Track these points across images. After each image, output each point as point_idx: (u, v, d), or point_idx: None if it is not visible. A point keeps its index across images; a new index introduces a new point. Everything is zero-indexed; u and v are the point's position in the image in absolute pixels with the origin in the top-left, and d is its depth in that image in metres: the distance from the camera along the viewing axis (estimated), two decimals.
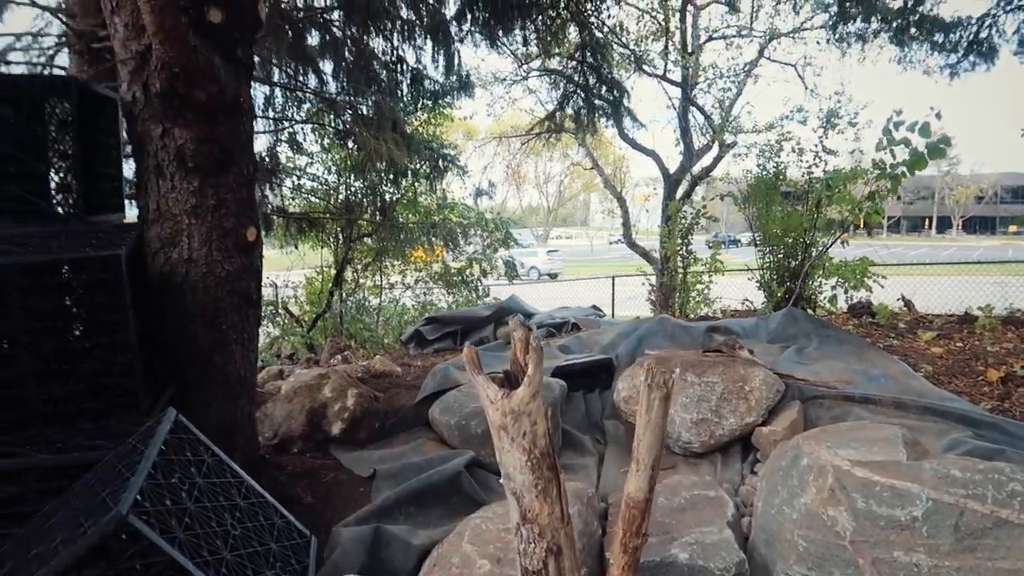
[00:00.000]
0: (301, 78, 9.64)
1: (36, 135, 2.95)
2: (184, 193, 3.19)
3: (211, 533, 2.06)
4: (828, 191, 6.24)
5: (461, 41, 7.12)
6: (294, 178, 11.80)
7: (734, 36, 12.06)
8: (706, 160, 11.43)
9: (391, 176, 11.10)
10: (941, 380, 4.31)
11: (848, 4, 7.86)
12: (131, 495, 1.84)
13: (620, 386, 4.29)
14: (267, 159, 10.78)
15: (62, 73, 5.01)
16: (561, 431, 4.02)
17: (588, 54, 6.52)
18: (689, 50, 11.81)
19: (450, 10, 6.93)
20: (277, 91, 10.22)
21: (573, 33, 6.61)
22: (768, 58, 11.91)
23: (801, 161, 7.06)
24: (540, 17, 6.51)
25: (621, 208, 13.15)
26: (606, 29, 10.44)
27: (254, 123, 3.60)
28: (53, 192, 2.98)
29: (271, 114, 10.49)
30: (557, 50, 7.15)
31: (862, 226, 6.32)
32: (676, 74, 11.83)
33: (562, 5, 6.32)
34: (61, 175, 3.02)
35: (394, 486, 3.34)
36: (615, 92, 6.71)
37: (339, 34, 8.66)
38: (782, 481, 2.90)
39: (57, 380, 2.51)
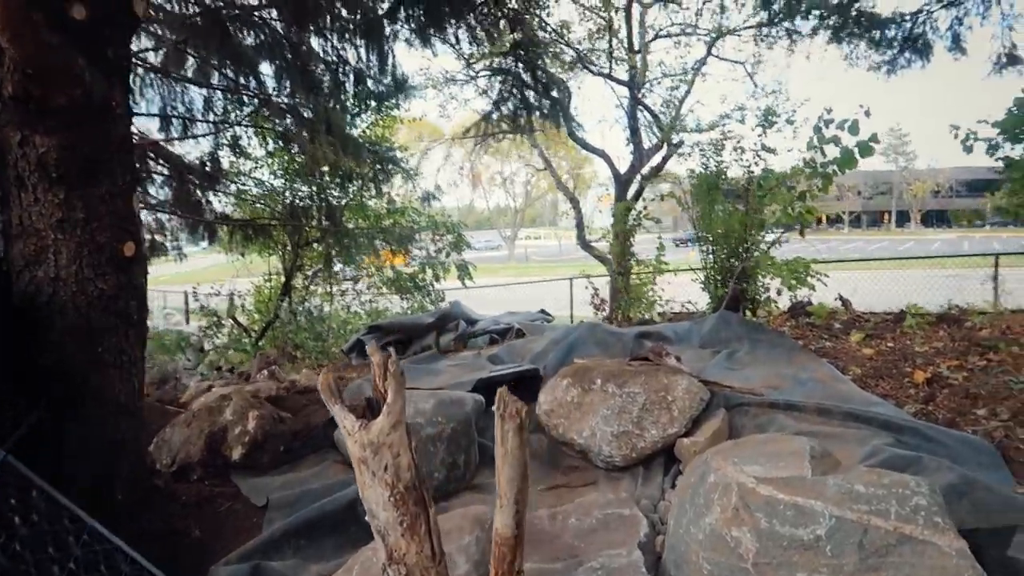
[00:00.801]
0: (242, 80, 9.38)
1: None
2: (49, 206, 2.94)
3: None
4: (760, 191, 6.13)
5: (394, 39, 6.88)
6: (238, 184, 11.49)
7: (679, 35, 11.97)
8: (657, 160, 11.33)
9: (337, 180, 10.85)
10: (869, 383, 4.20)
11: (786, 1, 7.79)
12: None
13: (542, 399, 4.11)
14: (208, 164, 10.48)
15: None
16: (477, 448, 3.83)
17: (522, 53, 6.35)
18: (636, 48, 11.69)
19: (383, 8, 6.69)
20: (217, 93, 9.94)
21: (508, 32, 6.44)
22: (717, 56, 11.84)
23: (741, 160, 6.96)
24: (472, 15, 6.33)
25: (575, 209, 12.99)
26: (547, 27, 10.34)
27: (130, 127, 3.35)
28: None
29: (211, 117, 10.20)
30: (490, 49, 6.97)
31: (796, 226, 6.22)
32: (623, 73, 11.74)
33: (494, 3, 6.14)
34: None
35: (288, 515, 3.12)
36: (551, 92, 6.54)
37: (275, 35, 8.40)
38: (690, 499, 2.75)
39: None
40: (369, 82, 8.32)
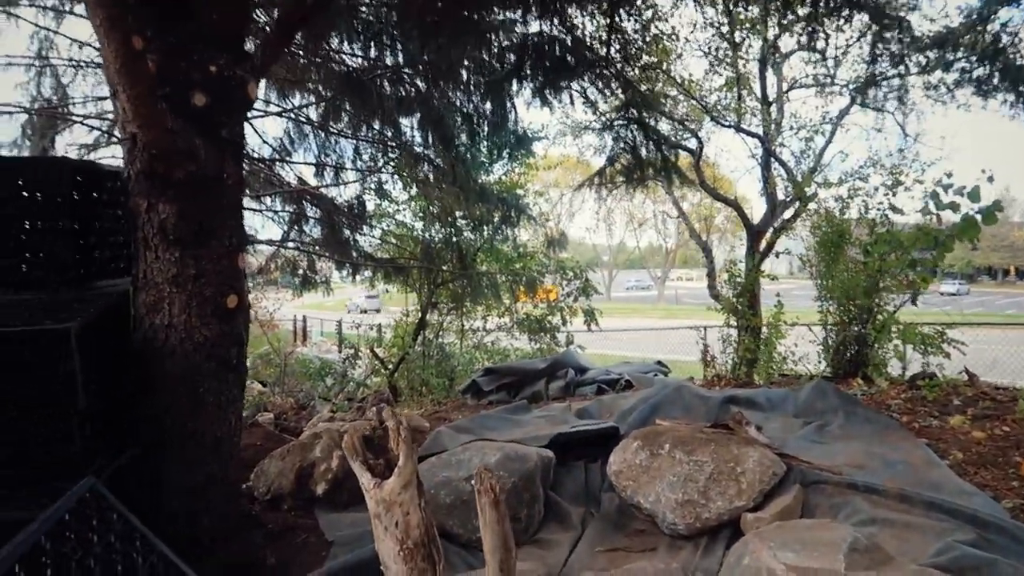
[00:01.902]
0: (387, 131, 10.15)
1: (36, 211, 3.27)
2: (166, 263, 3.42)
3: None
4: (873, 250, 5.81)
5: (516, 96, 7.25)
6: (381, 226, 12.32)
7: (812, 85, 11.52)
8: (789, 212, 10.89)
9: (469, 225, 11.38)
10: (969, 470, 3.88)
11: (935, 54, 7.36)
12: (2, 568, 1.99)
13: (612, 459, 4.15)
14: (355, 207, 11.35)
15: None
16: (543, 503, 3.93)
17: (633, 112, 6.47)
18: (769, 100, 11.40)
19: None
20: (364, 144, 10.79)
21: (621, 92, 6.60)
22: (864, 105, 11.24)
23: (865, 218, 6.63)
24: (586, 78, 6.55)
25: (706, 257, 12.77)
26: (675, 80, 10.34)
27: (241, 196, 3.82)
28: (44, 261, 3.27)
29: (359, 165, 11.07)
30: (604, 107, 7.16)
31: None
32: (755, 124, 11.44)
33: (607, 67, 6.32)
34: (54, 246, 3.31)
35: (347, 553, 3.38)
36: (663, 149, 6.60)
37: (416, 91, 9.04)
38: None
39: (11, 443, 2.74)
40: (495, 135, 8.74)
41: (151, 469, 3.37)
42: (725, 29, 10.29)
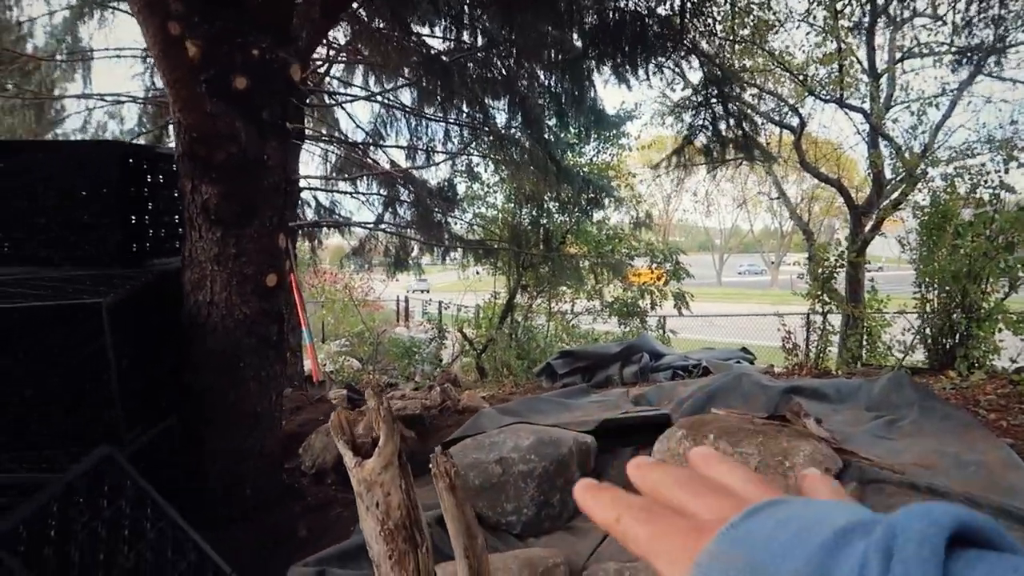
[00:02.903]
0: (477, 114, 10.22)
1: (94, 191, 3.47)
2: (209, 243, 3.55)
3: (94, 562, 2.29)
4: (957, 238, 5.27)
5: (593, 74, 7.10)
6: (473, 209, 12.42)
7: (930, 54, 10.49)
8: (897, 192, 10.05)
9: (559, 207, 11.29)
10: None
11: None
12: (5, 528, 2.12)
13: (656, 447, 3.99)
14: (446, 189, 11.52)
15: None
16: None
17: (714, 88, 6.15)
18: (877, 71, 10.52)
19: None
20: (454, 127, 10.91)
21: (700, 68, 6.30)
22: (989, 74, 10.19)
23: (973, 196, 6.05)
24: (666, 53, 6.30)
25: (807, 242, 12.06)
26: (770, 53, 9.74)
27: (282, 177, 3.89)
28: (97, 240, 3.47)
29: (449, 148, 11.21)
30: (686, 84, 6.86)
31: None
32: (858, 98, 10.57)
33: (682, 44, 6.06)
34: (108, 225, 3.50)
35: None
36: (744, 126, 6.24)
37: (502, 72, 9.02)
38: None
39: (55, 410, 2.93)
40: (577, 114, 8.61)
41: (194, 441, 3.53)
42: None
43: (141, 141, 10.38)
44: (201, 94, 3.30)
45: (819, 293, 6.77)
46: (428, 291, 25.89)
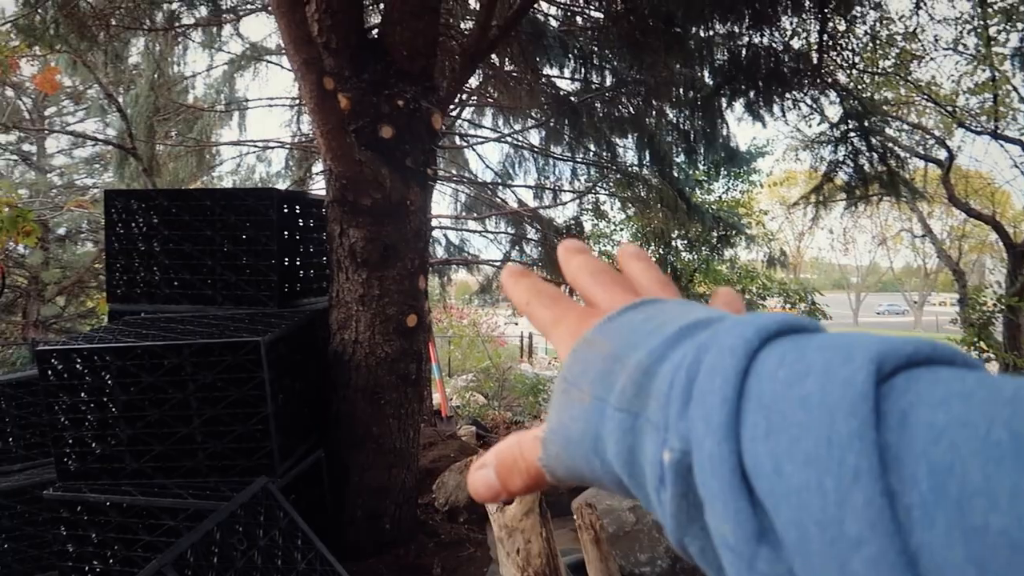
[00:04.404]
0: (604, 152, 10.28)
1: (254, 235, 3.73)
2: (354, 284, 3.72)
3: None
4: None
5: (724, 112, 6.98)
6: (600, 246, 12.43)
7: None
8: None
9: (687, 245, 11.10)
10: None
11: None
12: (174, 553, 2.28)
13: None
14: (573, 227, 11.58)
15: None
16: None
17: (853, 122, 5.86)
18: None
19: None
20: (581, 165, 11.01)
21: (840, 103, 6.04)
22: None
23: None
24: (803, 88, 6.10)
25: (958, 283, 11.15)
26: (914, 85, 9.16)
27: (425, 221, 4.03)
28: (255, 281, 3.71)
29: (576, 186, 11.32)
30: (817, 120, 6.59)
31: None
32: (1015, 129, 9.72)
33: (820, 78, 5.84)
34: (263, 267, 3.74)
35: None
36: (889, 161, 5.88)
37: (629, 111, 9.04)
38: None
39: (216, 440, 3.13)
40: (708, 151, 8.48)
41: (337, 474, 3.67)
42: (977, 23, 9.00)
43: (287, 183, 11.13)
44: (351, 143, 3.49)
45: (975, 340, 6.25)
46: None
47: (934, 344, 0.25)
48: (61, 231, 16.42)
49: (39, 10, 5.95)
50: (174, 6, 7.15)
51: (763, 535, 0.24)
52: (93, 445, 3.10)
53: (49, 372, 3.04)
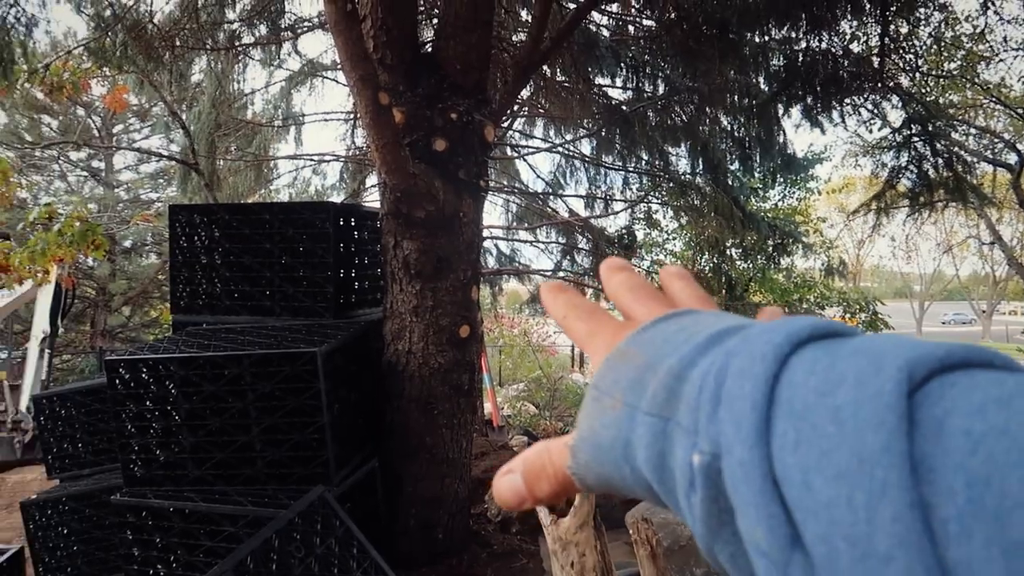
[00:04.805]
0: (656, 161, 10.20)
1: (310, 248, 3.81)
2: (408, 295, 3.77)
3: None
4: None
5: (780, 118, 6.86)
6: (652, 255, 12.33)
7: None
8: None
9: (742, 254, 10.92)
10: None
11: None
12: (236, 559, 2.33)
13: None
14: (625, 236, 11.51)
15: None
16: None
17: (916, 126, 5.68)
18: None
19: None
20: (632, 175, 10.95)
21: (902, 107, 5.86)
22: None
23: None
24: (863, 93, 5.95)
25: None
26: (967, 88, 8.84)
27: (478, 233, 4.05)
28: (312, 293, 3.78)
29: (628, 195, 11.26)
30: (878, 125, 6.41)
31: None
32: None
33: (882, 83, 5.68)
34: (320, 279, 3.81)
35: None
36: (955, 167, 5.67)
37: (682, 119, 8.96)
38: None
39: (274, 448, 3.19)
40: (764, 159, 8.34)
41: (390, 484, 3.71)
42: None
43: (341, 195, 11.34)
44: (405, 157, 3.53)
45: None
46: None
47: (968, 347, 0.25)
48: (127, 244, 17.04)
49: (109, 33, 6.20)
50: (235, 26, 7.37)
51: (797, 541, 0.24)
52: (158, 452, 3.20)
53: (117, 381, 3.14)
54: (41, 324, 7.92)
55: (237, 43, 7.87)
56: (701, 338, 0.33)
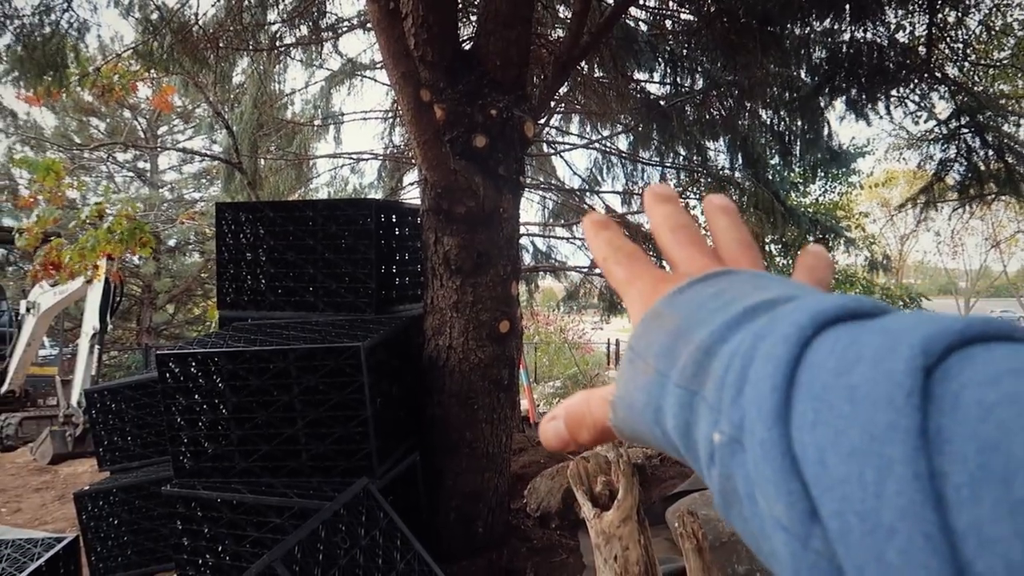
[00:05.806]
0: (695, 157, 10.11)
1: (353, 244, 3.86)
2: (448, 291, 3.79)
3: None
4: None
5: (827, 111, 6.74)
6: None
7: None
8: None
9: (781, 250, 10.79)
10: None
11: None
12: (284, 549, 2.38)
13: None
14: None
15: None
16: None
17: (967, 118, 5.52)
18: None
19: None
20: (669, 170, 10.86)
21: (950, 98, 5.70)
22: None
23: None
24: (910, 84, 5.81)
25: None
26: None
27: (517, 228, 4.06)
28: (354, 288, 3.83)
29: None
30: (924, 117, 6.25)
31: None
32: None
33: (930, 74, 5.54)
34: (362, 275, 3.86)
35: None
36: (1007, 159, 5.49)
37: (722, 112, 8.86)
38: None
39: (319, 441, 3.25)
40: (807, 153, 8.22)
41: (431, 477, 3.74)
42: None
43: (379, 194, 11.44)
44: (446, 153, 3.56)
45: None
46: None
47: (988, 319, 0.25)
48: (172, 242, 17.41)
49: (156, 36, 6.34)
50: (276, 27, 7.48)
51: (815, 515, 0.25)
52: (206, 444, 3.28)
53: (167, 375, 3.22)
54: (91, 320, 8.13)
55: (279, 44, 7.98)
56: (734, 311, 0.33)
